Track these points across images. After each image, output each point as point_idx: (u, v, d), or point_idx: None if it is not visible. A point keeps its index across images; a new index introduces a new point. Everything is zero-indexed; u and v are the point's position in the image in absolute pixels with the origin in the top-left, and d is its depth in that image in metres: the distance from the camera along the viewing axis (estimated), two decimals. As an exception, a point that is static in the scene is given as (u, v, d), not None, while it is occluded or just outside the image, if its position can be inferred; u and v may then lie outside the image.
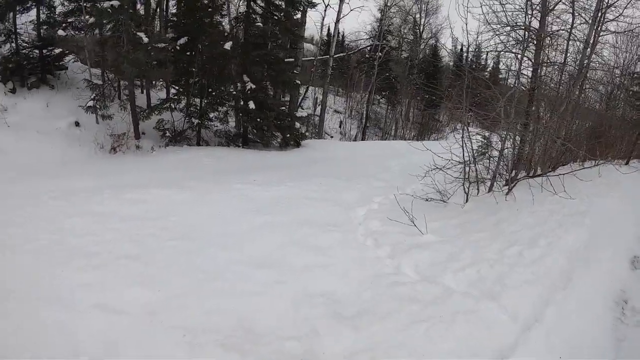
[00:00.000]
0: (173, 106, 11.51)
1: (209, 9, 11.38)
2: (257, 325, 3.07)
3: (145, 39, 10.25)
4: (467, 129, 6.48)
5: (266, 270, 3.94)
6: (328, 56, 20.33)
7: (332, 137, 22.83)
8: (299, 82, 13.33)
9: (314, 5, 14.17)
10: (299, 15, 16.13)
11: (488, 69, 26.44)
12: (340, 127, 24.29)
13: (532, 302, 3.49)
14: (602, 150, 10.75)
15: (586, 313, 3.77)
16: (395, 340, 2.90)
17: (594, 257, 4.85)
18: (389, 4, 23.71)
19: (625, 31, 9.66)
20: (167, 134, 11.31)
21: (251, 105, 11.17)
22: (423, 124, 24.68)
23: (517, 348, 2.86)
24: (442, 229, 5.16)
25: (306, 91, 21.33)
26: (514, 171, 8.65)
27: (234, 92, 11.51)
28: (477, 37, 6.93)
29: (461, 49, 30.53)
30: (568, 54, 9.04)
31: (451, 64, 30.99)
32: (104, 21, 10.70)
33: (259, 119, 11.53)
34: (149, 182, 6.99)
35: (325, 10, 19.85)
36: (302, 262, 4.11)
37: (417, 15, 26.93)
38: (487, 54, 25.21)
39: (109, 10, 9.95)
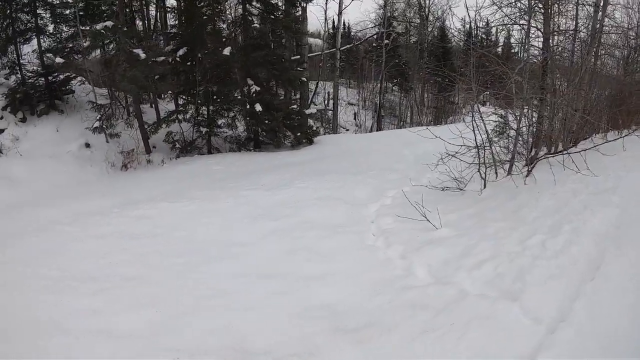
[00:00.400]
0: (180, 117, 11.48)
1: (205, 17, 11.28)
2: (255, 344, 2.90)
3: (143, 55, 10.27)
4: (479, 110, 6.14)
5: (270, 282, 3.79)
6: (335, 49, 20.04)
7: (347, 130, 22.56)
8: (305, 79, 13.09)
9: (310, 0, 13.92)
10: (299, 12, 15.97)
11: (499, 45, 25.70)
12: (355, 119, 23.97)
13: (558, 299, 3.17)
14: (624, 119, 10.21)
15: (618, 306, 3.41)
16: (402, 354, 2.66)
17: (625, 239, 4.47)
18: (391, -11, 23.22)
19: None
20: (177, 145, 11.36)
21: (258, 107, 11.01)
22: (438, 108, 24.13)
23: (540, 353, 2.57)
24: (457, 220, 4.87)
25: (317, 86, 21.09)
26: (533, 150, 8.30)
27: (239, 97, 11.34)
28: (479, 12, 6.53)
29: (470, 27, 29.82)
30: (579, 20, 8.63)
31: (461, 44, 30.25)
32: (100, 42, 10.78)
33: (267, 121, 11.38)
34: (157, 196, 6.94)
35: (326, 4, 19.70)
36: (307, 271, 3.92)
37: (422, -1, 26.30)
38: (496, 30, 24.57)
39: (102, 31, 9.97)
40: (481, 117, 6.12)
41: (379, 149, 10.62)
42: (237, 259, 4.30)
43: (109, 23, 10.04)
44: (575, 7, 8.10)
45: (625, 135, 5.55)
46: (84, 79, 11.84)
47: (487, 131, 6.23)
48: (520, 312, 3.04)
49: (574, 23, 8.42)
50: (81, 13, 10.96)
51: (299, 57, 15.86)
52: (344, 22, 26.97)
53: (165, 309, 3.40)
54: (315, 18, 30.46)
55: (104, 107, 10.88)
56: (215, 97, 11.61)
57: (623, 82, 10.28)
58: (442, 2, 26.39)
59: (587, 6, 8.19)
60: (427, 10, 26.56)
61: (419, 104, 25.43)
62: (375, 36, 24.37)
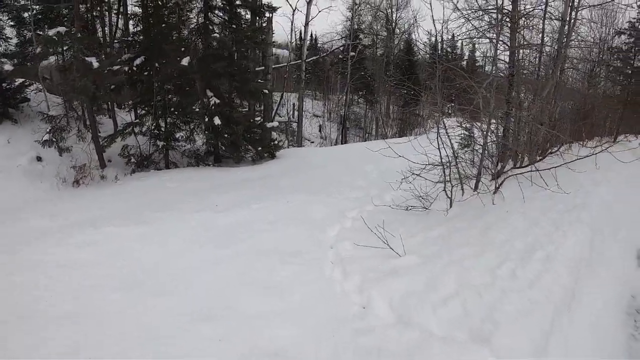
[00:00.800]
0: (136, 130, 10.81)
1: (164, 25, 10.72)
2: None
3: (96, 64, 9.63)
4: (445, 126, 5.85)
5: (211, 323, 3.28)
6: (301, 61, 19.71)
7: (312, 142, 22.23)
8: (267, 91, 12.63)
9: (274, 10, 13.51)
10: (265, 23, 15.59)
11: (464, 59, 26.06)
12: (320, 131, 23.67)
13: (532, 338, 2.84)
14: (587, 132, 10.29)
15: (595, 335, 3.13)
16: None
17: (598, 262, 4.23)
18: (357, 2, 23.17)
19: (600, 4, 9.20)
20: (133, 160, 10.67)
21: (216, 121, 10.47)
22: (404, 120, 24.13)
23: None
24: (422, 245, 4.50)
25: (281, 98, 20.68)
26: (500, 164, 8.13)
27: (197, 109, 10.76)
28: (446, 25, 6.27)
29: (436, 40, 30.18)
30: (545, 34, 8.60)
31: (427, 56, 30.56)
32: (53, 49, 10.07)
33: (227, 135, 10.83)
34: (105, 217, 6.31)
35: (293, 15, 19.36)
36: (255, 308, 3.44)
37: (388, 11, 26.41)
38: (462, 43, 24.90)
39: (54, 37, 9.29)
40: (447, 132, 5.82)
41: (342, 164, 10.24)
42: (179, 294, 3.78)
43: (61, 29, 9.34)
44: (542, 21, 8.02)
45: (599, 152, 5.33)
46: (41, 86, 11.05)
47: (452, 147, 5.93)
48: (491, 357, 2.66)
49: (541, 37, 8.37)
50: (39, 17, 10.25)
51: (263, 68, 15.49)
52: (311, 34, 26.85)
53: (96, 356, 2.92)
54: (282, 29, 30.22)
55: (56, 118, 10.11)
56: (172, 109, 11.00)
57: (587, 96, 10.39)
58: (409, 15, 26.40)
59: (554, 20, 8.10)
60: (394, 23, 26.68)
61: (384, 116, 25.37)
62: (341, 48, 24.23)
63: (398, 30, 27.18)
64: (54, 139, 9.64)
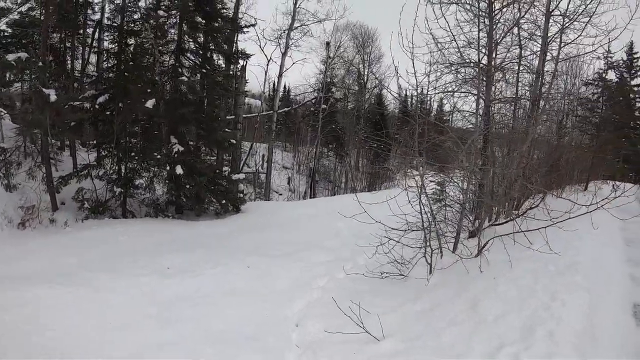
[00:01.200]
0: (93, 173, 9.99)
1: (131, 63, 10.18)
2: None
3: (54, 97, 8.89)
4: (424, 187, 5.33)
5: None
6: (272, 112, 19.48)
7: (280, 194, 21.59)
8: (235, 141, 12.07)
9: (248, 57, 13.31)
10: (238, 72, 15.37)
11: (432, 113, 26.53)
12: (288, 183, 23.12)
13: None
14: (558, 181, 10.20)
15: None
16: None
17: (603, 335, 3.63)
18: (331, 56, 23.45)
19: (573, 57, 9.27)
20: (86, 205, 9.74)
21: (178, 170, 9.77)
22: (373, 174, 23.91)
23: None
24: (402, 324, 3.83)
25: (251, 148, 20.20)
26: (477, 221, 7.70)
27: (159, 157, 10.04)
28: (423, 79, 5.91)
29: (406, 95, 30.82)
30: (519, 88, 8.54)
31: (396, 111, 31.10)
32: (10, 75, 9.35)
33: (188, 186, 10.09)
34: (38, 274, 5.44)
35: (267, 65, 19.29)
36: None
37: (361, 66, 26.87)
38: (430, 98, 25.39)
39: (13, 62, 8.57)
40: (426, 194, 5.29)
41: (310, 221, 9.59)
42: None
43: (22, 54, 8.62)
44: (516, 75, 7.93)
45: (594, 210, 4.83)
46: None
47: (431, 208, 5.39)
48: None
49: (516, 90, 8.25)
50: (9, 40, 9.57)
51: (234, 117, 15.03)
52: (284, 85, 26.93)
53: None
54: (256, 78, 30.26)
55: (7, 150, 9.20)
56: (133, 153, 10.25)
57: (557, 146, 10.35)
58: (380, 70, 26.81)
59: (529, 74, 8.02)
60: (365, 77, 27.07)
61: (354, 170, 25.14)
62: (313, 100, 24.24)
63: (369, 85, 27.56)
64: (2, 174, 8.75)
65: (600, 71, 13.97)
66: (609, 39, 7.13)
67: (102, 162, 10.19)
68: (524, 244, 5.46)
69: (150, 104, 9.78)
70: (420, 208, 5.11)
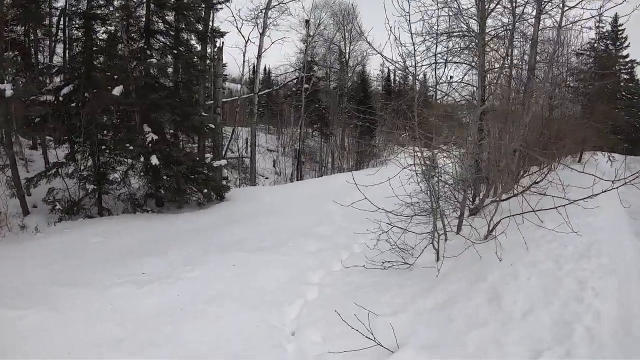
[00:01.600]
0: (62, 171, 9.22)
1: (95, 48, 9.36)
2: None
3: (9, 92, 8.19)
4: (435, 164, 4.76)
5: None
6: (253, 94, 18.71)
7: (267, 178, 20.93)
8: (213, 126, 11.31)
9: (222, 35, 12.52)
10: (215, 53, 14.57)
11: (429, 84, 26.09)
12: (274, 166, 22.44)
13: None
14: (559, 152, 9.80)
15: None
16: None
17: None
18: (311, 34, 22.61)
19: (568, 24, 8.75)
20: (58, 206, 9.01)
21: (154, 160, 9.03)
22: (360, 152, 23.31)
23: None
24: (416, 326, 3.27)
25: (233, 133, 19.42)
26: (477, 198, 7.24)
27: (131, 147, 9.28)
28: (414, 49, 5.25)
29: (388, 73, 30.15)
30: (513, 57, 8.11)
31: (380, 88, 30.49)
32: None
33: (166, 177, 9.37)
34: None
35: (245, 46, 18.57)
36: None
37: (342, 44, 26.02)
38: (414, 74, 24.82)
39: None
40: (434, 170, 4.72)
41: (299, 205, 8.97)
42: None
43: None
44: (509, 42, 7.45)
45: (619, 186, 4.26)
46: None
47: (437, 188, 4.83)
48: None
49: (510, 59, 7.74)
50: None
51: (213, 102, 14.24)
52: (264, 67, 26.11)
53: None
54: (235, 62, 29.23)
55: None
56: (104, 147, 9.49)
57: (548, 118, 9.93)
58: (362, 47, 25.99)
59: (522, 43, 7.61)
60: (347, 55, 26.25)
61: (340, 149, 24.50)
62: (295, 80, 23.44)
63: (351, 63, 26.77)
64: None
65: (592, 40, 13.56)
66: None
67: (72, 158, 9.43)
68: (534, 222, 4.94)
69: (117, 91, 9.01)
70: (430, 188, 4.52)
